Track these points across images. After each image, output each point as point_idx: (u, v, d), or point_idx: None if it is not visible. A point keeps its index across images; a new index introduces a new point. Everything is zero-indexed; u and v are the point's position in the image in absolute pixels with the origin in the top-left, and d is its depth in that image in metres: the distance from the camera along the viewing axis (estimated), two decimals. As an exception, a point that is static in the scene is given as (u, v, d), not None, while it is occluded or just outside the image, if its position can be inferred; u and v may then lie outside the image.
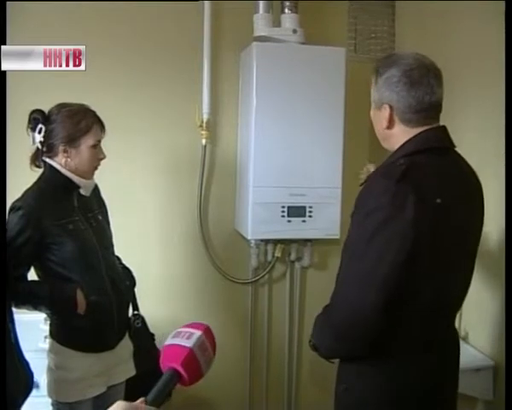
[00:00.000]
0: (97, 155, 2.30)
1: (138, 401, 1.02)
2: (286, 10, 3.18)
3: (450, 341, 1.88)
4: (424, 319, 1.71)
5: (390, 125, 1.75)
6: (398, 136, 1.75)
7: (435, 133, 1.76)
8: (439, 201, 1.63)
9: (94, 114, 2.29)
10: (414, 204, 1.58)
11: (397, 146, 1.76)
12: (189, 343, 1.11)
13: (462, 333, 2.79)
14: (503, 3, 1.94)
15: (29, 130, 2.23)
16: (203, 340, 1.14)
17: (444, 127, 1.79)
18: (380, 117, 1.78)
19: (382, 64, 1.78)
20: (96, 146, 2.28)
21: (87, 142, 2.24)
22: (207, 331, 1.17)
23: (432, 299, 1.69)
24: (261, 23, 3.14)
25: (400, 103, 1.71)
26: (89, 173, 2.32)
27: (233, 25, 3.31)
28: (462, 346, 2.72)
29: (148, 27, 3.19)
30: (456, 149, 1.82)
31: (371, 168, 2.12)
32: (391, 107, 1.73)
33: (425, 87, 1.69)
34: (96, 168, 2.34)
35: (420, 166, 1.67)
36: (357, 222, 1.69)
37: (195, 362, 1.10)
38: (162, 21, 3.21)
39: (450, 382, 1.87)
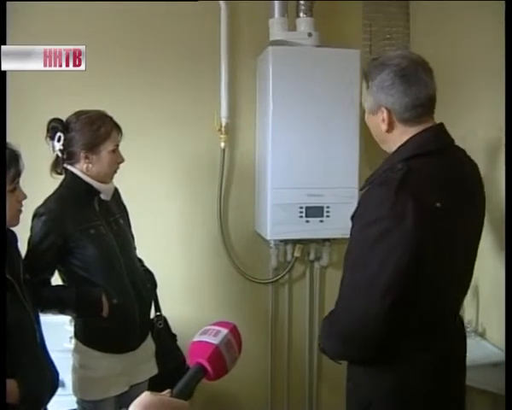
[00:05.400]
0: (117, 159, 2.36)
1: (164, 392, 1.04)
2: (301, 14, 3.20)
3: (455, 335, 1.89)
4: (429, 319, 1.72)
5: (390, 127, 1.74)
6: (398, 137, 1.74)
7: (431, 134, 1.74)
8: (438, 205, 1.62)
9: (111, 119, 2.34)
10: (413, 212, 1.57)
11: (395, 148, 1.75)
12: (215, 340, 1.14)
13: (479, 329, 2.80)
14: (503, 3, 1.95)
15: (48, 138, 2.29)
16: (229, 338, 1.16)
17: (441, 125, 1.78)
18: (377, 121, 1.77)
19: (371, 69, 1.77)
20: (115, 150, 2.34)
21: (107, 147, 2.30)
22: (234, 330, 1.19)
23: (436, 299, 1.70)
24: (276, 27, 3.17)
25: (397, 104, 1.70)
26: (108, 177, 2.38)
27: (249, 30, 3.35)
28: (480, 342, 2.75)
29: (166, 33, 3.25)
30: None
31: None
32: (388, 109, 1.72)
33: (418, 83, 1.69)
34: (115, 172, 2.39)
35: (418, 170, 1.65)
36: (357, 231, 1.69)
37: (221, 358, 1.13)
38: (180, 27, 3.26)
39: (458, 374, 1.88)
